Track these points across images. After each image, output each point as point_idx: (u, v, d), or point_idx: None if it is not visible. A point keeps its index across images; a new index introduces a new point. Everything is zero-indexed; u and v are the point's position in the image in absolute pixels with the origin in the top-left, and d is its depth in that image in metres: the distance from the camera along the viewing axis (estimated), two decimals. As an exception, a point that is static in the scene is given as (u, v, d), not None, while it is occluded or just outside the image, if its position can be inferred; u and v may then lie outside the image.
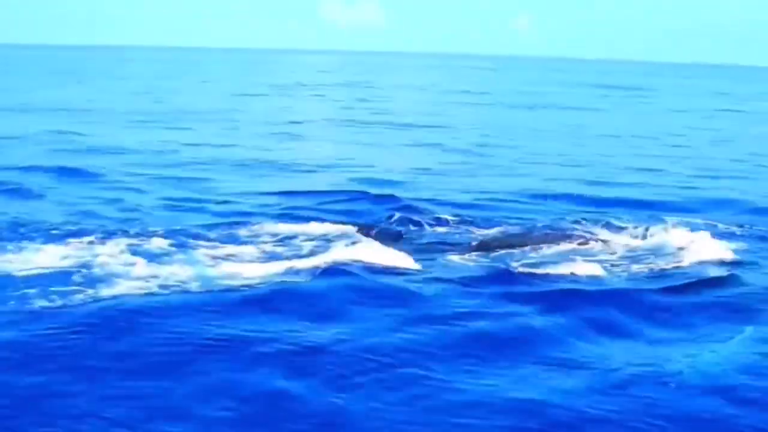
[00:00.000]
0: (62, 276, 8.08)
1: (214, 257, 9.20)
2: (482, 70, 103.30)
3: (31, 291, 7.55)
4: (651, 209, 13.38)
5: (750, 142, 26.26)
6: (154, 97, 38.03)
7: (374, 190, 14.37)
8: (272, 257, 9.43)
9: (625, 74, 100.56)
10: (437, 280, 8.71)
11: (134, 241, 9.66)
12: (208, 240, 10.01)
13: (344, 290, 8.21)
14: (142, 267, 8.50)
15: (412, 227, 11.23)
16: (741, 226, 11.81)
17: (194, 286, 8.09)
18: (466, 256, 9.77)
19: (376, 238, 10.12)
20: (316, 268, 8.84)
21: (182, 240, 9.92)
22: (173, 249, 9.44)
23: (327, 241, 10.20)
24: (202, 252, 9.37)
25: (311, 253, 9.61)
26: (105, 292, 7.68)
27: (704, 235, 10.44)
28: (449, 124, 28.67)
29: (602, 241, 10.47)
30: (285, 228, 10.74)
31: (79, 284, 7.85)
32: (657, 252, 10.04)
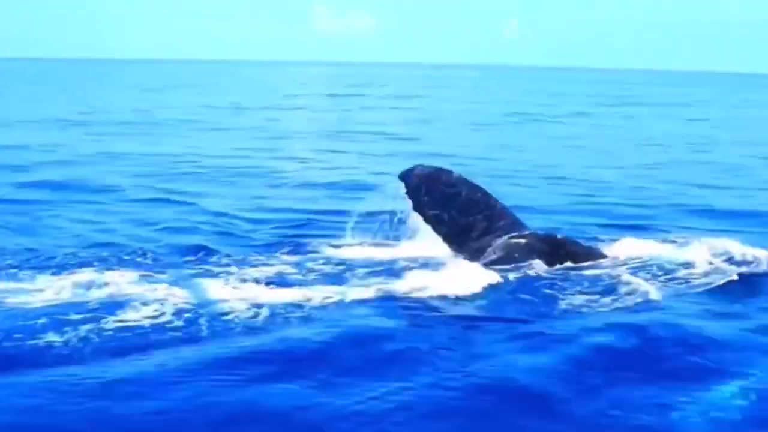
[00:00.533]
0: (75, 306, 7.37)
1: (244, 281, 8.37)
2: (468, 80, 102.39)
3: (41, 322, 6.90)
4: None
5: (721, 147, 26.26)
6: (136, 107, 38.07)
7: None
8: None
9: (609, 84, 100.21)
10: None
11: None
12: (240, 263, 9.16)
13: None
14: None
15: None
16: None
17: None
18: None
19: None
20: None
21: (222, 262, 9.21)
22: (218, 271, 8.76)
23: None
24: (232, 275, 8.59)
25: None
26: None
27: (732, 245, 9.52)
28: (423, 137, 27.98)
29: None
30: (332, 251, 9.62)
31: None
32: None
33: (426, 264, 8.72)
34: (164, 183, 16.14)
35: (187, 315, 7.15)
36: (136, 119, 32.82)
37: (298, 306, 7.52)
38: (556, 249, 8.86)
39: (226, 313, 7.22)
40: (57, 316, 6.98)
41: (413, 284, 8.01)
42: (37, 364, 6.10)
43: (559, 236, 9.20)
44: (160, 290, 7.77)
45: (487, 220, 9.01)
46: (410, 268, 8.61)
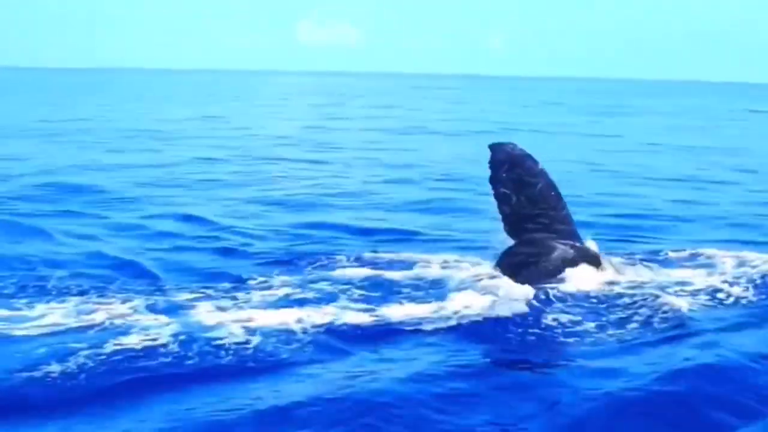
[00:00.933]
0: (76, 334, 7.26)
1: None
2: (449, 91, 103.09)
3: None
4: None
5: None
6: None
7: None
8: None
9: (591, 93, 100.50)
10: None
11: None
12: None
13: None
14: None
15: None
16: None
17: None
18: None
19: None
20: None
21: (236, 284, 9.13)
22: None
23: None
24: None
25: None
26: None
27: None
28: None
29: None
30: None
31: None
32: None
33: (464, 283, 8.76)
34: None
35: (183, 342, 7.00)
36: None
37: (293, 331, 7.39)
38: (599, 265, 9.06)
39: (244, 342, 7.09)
40: (51, 343, 6.89)
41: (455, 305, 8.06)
42: (32, 396, 6.05)
43: (602, 254, 9.35)
44: (153, 316, 7.70)
45: (549, 219, 9.09)
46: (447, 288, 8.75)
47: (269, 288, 8.85)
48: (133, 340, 6.99)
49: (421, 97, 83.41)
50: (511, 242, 9.26)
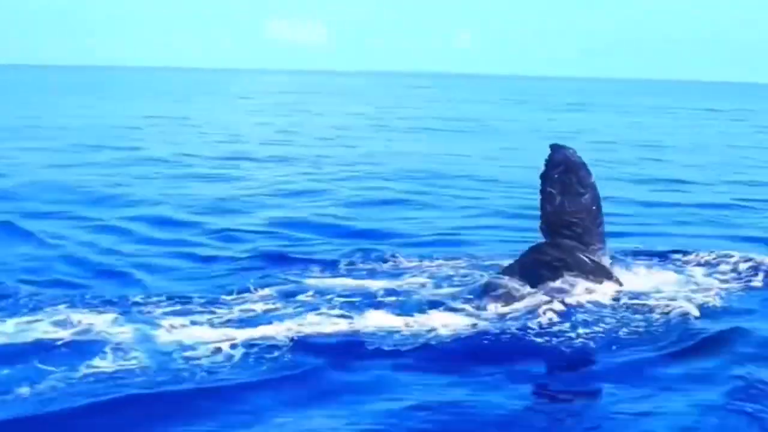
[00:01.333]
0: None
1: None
2: (419, 89, 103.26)
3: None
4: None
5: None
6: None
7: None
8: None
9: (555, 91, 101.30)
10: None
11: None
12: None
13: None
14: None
15: None
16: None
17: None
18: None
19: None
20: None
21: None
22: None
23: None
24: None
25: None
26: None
27: None
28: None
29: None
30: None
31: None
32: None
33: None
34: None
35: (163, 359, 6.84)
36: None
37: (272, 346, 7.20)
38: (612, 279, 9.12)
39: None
40: (23, 360, 6.68)
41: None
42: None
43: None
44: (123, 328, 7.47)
45: (583, 230, 9.16)
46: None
47: (246, 300, 8.62)
48: (106, 358, 6.80)
49: (389, 94, 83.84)
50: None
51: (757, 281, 9.56)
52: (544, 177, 9.30)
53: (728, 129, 43.37)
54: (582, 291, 8.68)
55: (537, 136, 28.60)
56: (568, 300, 8.42)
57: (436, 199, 16.95)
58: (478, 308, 8.25)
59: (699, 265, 10.24)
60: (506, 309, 8.21)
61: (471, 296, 8.63)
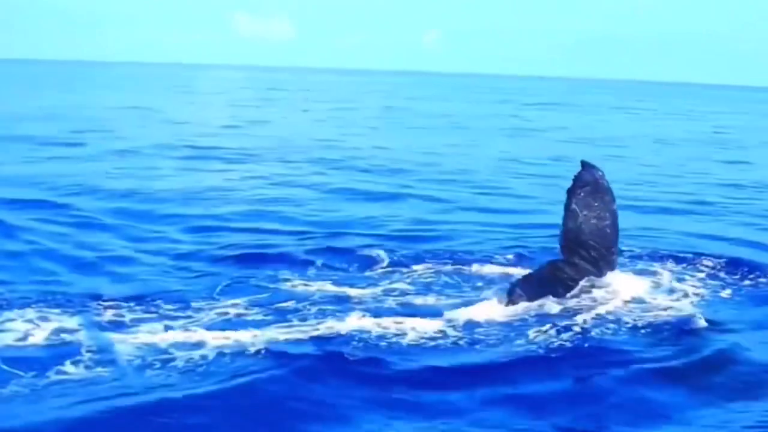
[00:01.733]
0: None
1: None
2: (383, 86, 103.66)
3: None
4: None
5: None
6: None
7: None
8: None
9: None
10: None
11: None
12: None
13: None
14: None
15: None
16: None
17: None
18: None
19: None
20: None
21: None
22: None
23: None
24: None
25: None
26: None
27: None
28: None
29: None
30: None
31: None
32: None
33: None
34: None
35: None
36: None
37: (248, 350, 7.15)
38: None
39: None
40: None
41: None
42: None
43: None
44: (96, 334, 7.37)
45: (599, 255, 9.26)
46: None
47: (216, 306, 8.49)
48: (78, 363, 6.72)
49: (352, 92, 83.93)
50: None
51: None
52: (571, 193, 9.35)
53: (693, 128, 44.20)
54: (593, 306, 8.66)
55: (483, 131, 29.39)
56: (583, 316, 8.36)
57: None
58: (500, 311, 8.37)
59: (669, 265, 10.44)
60: (524, 316, 8.30)
61: (490, 300, 8.70)
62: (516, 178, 20.44)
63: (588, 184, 9.30)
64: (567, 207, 9.28)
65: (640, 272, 9.98)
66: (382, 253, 10.84)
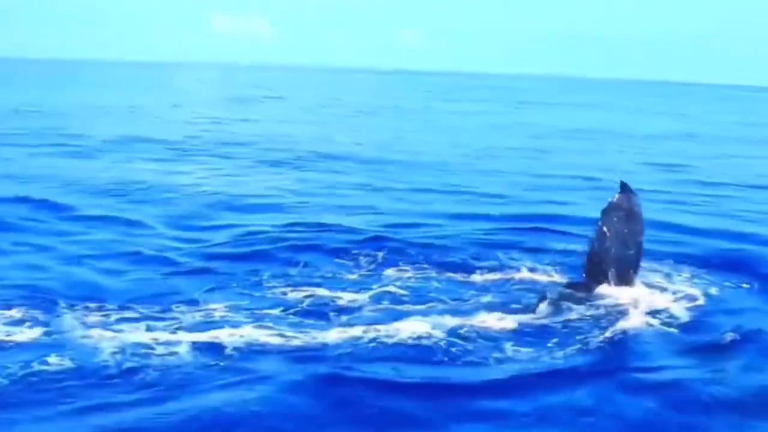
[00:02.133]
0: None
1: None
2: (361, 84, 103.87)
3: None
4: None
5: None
6: None
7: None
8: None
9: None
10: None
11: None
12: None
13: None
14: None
15: None
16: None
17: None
18: None
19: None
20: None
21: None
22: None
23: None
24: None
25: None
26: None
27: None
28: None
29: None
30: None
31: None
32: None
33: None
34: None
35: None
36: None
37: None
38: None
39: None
40: None
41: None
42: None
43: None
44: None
45: (619, 276, 9.21)
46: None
47: (199, 308, 8.38)
48: (61, 360, 6.69)
49: (333, 89, 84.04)
50: None
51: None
52: (605, 214, 9.32)
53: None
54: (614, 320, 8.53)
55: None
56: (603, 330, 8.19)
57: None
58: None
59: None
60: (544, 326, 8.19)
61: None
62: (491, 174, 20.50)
63: (623, 210, 9.30)
64: (598, 227, 9.28)
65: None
66: (363, 255, 10.74)
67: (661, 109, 65.25)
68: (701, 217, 15.04)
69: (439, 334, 7.62)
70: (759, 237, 12.68)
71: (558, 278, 9.87)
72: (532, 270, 10.23)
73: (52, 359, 6.69)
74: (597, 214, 9.36)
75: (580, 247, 9.57)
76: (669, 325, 8.26)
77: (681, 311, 8.68)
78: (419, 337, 7.53)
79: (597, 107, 64.36)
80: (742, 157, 27.88)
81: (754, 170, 23.17)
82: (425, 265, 10.36)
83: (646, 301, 8.85)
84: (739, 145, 33.22)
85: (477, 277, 9.96)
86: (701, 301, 9.08)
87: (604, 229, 9.22)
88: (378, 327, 7.73)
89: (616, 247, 9.16)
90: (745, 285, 9.91)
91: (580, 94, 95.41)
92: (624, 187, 9.42)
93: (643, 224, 9.37)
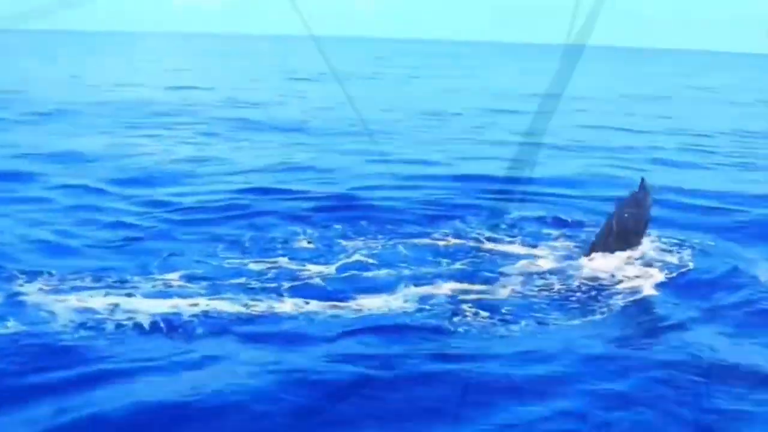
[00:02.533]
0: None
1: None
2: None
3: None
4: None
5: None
6: None
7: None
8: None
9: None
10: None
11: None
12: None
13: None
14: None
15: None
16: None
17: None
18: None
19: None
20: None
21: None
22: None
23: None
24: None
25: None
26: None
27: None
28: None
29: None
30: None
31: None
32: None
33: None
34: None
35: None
36: None
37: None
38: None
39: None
40: None
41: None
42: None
43: None
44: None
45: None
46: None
47: (155, 278, 8.23)
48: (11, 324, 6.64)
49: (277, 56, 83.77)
50: None
51: None
52: (618, 209, 9.54)
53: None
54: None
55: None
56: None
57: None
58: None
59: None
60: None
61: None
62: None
63: (635, 206, 9.53)
64: (609, 220, 9.51)
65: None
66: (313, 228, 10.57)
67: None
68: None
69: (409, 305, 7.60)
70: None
71: (519, 245, 9.87)
72: (490, 239, 10.15)
73: (10, 323, 6.68)
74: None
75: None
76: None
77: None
78: (382, 309, 7.48)
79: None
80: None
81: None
82: (381, 231, 10.36)
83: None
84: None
85: (440, 243, 9.91)
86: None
87: (612, 223, 9.40)
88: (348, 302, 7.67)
89: (615, 245, 9.29)
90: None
91: (524, 60, 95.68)
92: (642, 185, 9.63)
93: (646, 228, 9.59)
